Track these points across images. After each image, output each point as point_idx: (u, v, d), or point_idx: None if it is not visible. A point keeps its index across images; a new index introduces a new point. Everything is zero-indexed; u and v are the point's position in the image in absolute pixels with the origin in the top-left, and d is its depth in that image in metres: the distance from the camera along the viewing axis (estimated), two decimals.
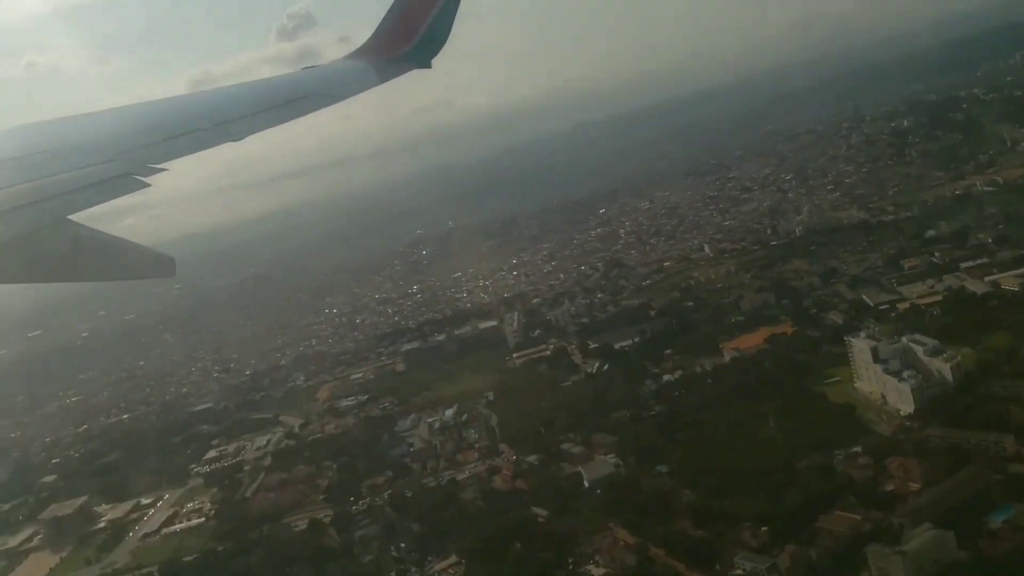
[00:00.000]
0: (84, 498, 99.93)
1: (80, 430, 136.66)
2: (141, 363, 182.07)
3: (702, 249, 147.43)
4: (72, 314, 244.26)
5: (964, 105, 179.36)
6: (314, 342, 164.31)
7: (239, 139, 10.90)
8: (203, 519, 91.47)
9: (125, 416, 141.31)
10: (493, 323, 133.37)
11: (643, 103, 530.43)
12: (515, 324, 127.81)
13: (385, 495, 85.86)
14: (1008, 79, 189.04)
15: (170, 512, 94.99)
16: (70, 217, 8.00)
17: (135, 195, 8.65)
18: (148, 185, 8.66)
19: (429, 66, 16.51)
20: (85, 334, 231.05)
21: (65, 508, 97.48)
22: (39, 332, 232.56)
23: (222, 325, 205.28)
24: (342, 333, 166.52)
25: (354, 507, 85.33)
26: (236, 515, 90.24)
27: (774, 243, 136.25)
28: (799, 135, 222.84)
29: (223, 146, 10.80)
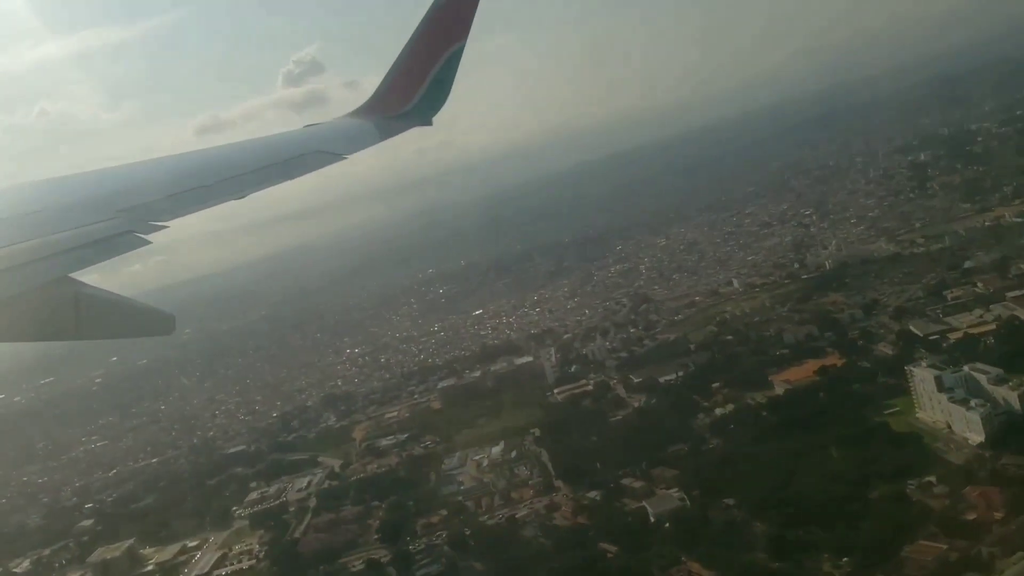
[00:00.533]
0: (131, 541, 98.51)
1: (110, 474, 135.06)
2: (162, 407, 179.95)
3: (730, 284, 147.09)
4: (84, 360, 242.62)
5: (979, 138, 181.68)
6: (339, 382, 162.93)
7: (241, 197, 11.19)
8: (254, 560, 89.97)
9: (154, 460, 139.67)
10: (527, 359, 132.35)
11: (640, 141, 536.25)
12: (553, 359, 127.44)
13: (442, 534, 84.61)
14: (1018, 112, 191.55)
15: (219, 554, 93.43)
16: (71, 275, 8.05)
17: None
18: (149, 243, 8.88)
19: (430, 123, 17.13)
20: (99, 380, 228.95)
21: (112, 551, 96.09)
22: (51, 379, 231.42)
23: (239, 367, 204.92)
24: (367, 372, 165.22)
25: (410, 546, 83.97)
26: (288, 556, 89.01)
27: (804, 276, 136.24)
28: (812, 170, 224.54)
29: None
